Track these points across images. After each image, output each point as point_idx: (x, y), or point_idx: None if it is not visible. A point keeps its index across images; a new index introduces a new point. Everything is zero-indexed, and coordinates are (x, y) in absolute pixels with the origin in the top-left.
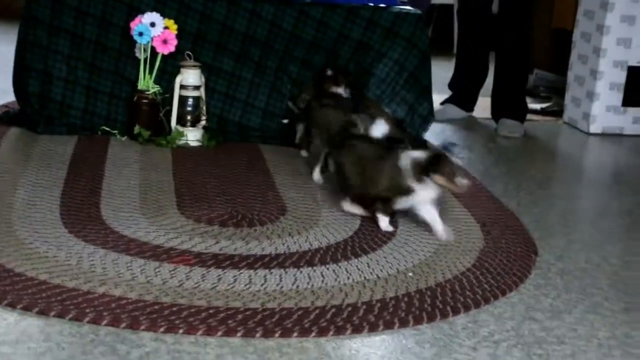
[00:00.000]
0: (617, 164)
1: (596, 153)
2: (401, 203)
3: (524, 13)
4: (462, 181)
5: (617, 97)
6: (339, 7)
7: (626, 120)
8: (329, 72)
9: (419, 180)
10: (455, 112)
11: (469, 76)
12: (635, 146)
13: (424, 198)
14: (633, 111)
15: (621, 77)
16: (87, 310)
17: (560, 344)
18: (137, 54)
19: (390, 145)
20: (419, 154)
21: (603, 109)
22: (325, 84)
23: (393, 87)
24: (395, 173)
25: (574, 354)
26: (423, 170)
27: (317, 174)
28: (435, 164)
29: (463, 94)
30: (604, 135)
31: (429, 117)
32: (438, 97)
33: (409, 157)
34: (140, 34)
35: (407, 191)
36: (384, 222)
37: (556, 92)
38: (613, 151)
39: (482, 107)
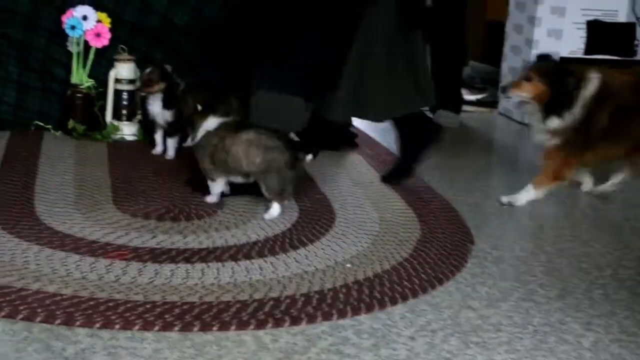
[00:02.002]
0: None
1: (531, 143)
2: None
3: (458, 5)
4: None
5: None
6: None
7: None
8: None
9: None
10: None
11: None
12: None
13: None
14: None
15: None
16: (21, 307)
17: (496, 332)
18: (70, 48)
19: None
20: None
21: None
22: None
23: None
24: None
25: (510, 341)
26: None
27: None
28: None
29: None
30: None
31: None
32: None
33: None
34: (73, 27)
35: None
36: None
37: (491, 83)
38: None
39: None
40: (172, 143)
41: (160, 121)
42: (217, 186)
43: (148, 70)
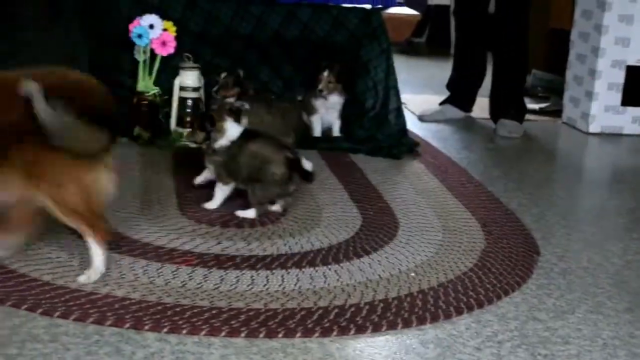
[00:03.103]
0: (617, 163)
1: (595, 152)
2: None
3: (521, 13)
4: None
5: (616, 97)
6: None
7: (625, 120)
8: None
9: None
10: (454, 112)
11: (466, 76)
12: (635, 145)
13: None
14: (632, 110)
15: (620, 76)
16: (91, 311)
17: (564, 344)
18: (137, 56)
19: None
20: None
21: (602, 109)
22: None
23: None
24: None
25: (579, 354)
26: None
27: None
28: None
29: (461, 94)
30: (602, 134)
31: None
32: (436, 98)
33: None
34: (139, 36)
35: None
36: None
37: (554, 92)
38: (612, 150)
39: (481, 108)
40: None
41: None
42: (224, 191)
43: (224, 75)
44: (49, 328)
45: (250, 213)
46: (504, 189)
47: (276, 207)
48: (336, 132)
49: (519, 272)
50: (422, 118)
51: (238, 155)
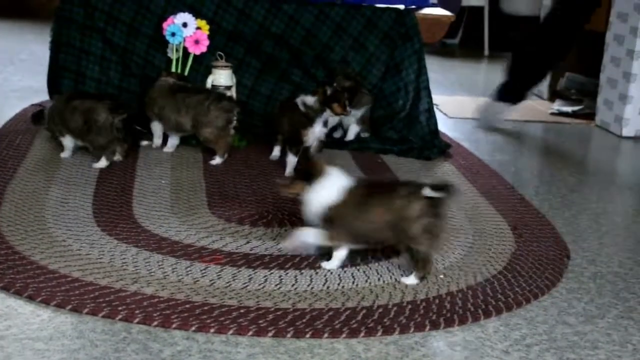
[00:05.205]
0: None
1: (629, 156)
2: None
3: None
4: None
5: None
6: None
7: None
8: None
9: None
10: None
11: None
12: None
13: None
14: None
15: None
16: (120, 308)
17: (594, 349)
18: (170, 54)
19: None
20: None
21: (636, 112)
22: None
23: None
24: None
25: (608, 359)
26: None
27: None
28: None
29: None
30: (636, 138)
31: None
32: (469, 99)
33: None
34: (173, 34)
35: None
36: None
37: (587, 94)
38: None
39: (514, 111)
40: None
41: None
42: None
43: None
44: (77, 324)
45: (102, 163)
46: (536, 192)
47: (117, 157)
48: (350, 137)
49: (549, 275)
50: (483, 125)
51: (63, 112)
